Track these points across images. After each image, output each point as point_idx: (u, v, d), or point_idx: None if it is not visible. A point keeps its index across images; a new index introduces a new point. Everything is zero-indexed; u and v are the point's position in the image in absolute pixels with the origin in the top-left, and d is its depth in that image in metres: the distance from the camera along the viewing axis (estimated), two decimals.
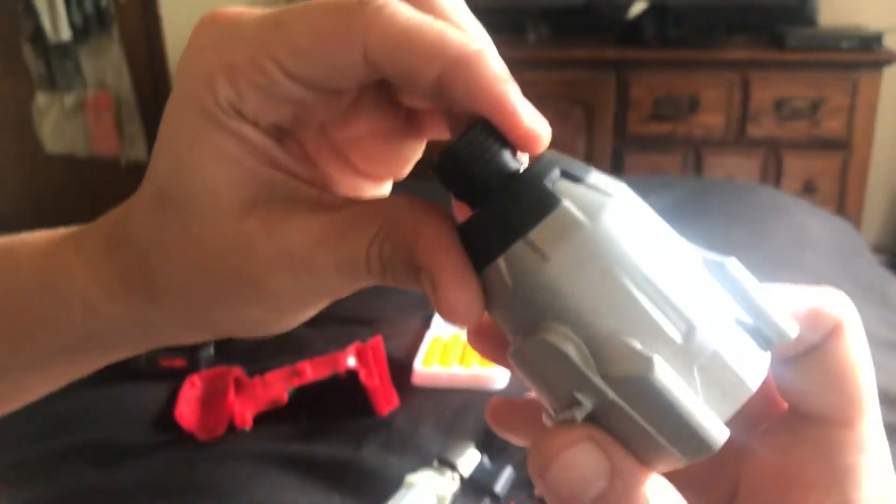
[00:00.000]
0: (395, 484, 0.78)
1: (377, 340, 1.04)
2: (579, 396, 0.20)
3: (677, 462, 0.21)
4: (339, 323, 1.17)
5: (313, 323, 1.04)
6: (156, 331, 0.30)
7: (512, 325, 0.22)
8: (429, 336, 1.08)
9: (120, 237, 0.29)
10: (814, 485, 0.24)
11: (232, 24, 0.27)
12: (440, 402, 0.96)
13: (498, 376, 0.97)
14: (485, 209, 0.23)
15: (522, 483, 0.79)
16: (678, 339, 0.20)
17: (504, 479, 0.75)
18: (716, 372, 0.21)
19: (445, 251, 0.23)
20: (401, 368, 1.02)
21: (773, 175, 2.45)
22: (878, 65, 2.35)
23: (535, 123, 0.24)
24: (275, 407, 0.96)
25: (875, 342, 1.08)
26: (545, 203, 0.21)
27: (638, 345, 0.20)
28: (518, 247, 0.21)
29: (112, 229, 0.30)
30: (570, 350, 0.20)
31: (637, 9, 2.53)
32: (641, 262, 0.21)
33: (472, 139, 0.23)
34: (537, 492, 0.78)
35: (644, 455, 0.21)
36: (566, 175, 0.22)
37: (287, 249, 0.25)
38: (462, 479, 0.72)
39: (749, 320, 0.22)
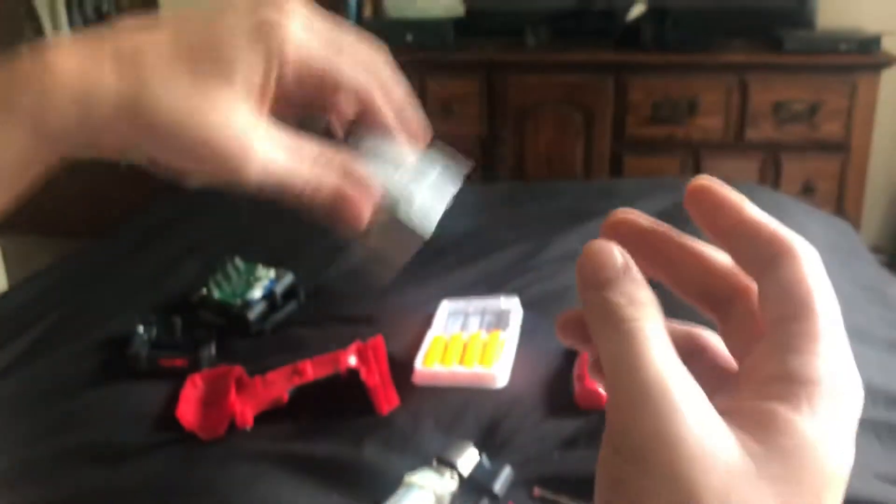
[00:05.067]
0: (395, 483, 0.78)
1: (378, 340, 1.04)
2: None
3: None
4: (340, 322, 1.18)
5: (314, 322, 1.05)
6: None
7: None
8: (430, 335, 1.08)
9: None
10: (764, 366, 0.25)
11: None
12: (440, 402, 0.96)
13: (498, 375, 0.98)
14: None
15: (521, 483, 0.80)
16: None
17: (503, 479, 0.76)
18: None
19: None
20: (402, 367, 1.02)
21: (771, 177, 2.46)
22: (877, 67, 2.36)
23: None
24: (275, 406, 0.97)
25: (874, 341, 1.09)
26: None
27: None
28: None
29: None
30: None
31: (636, 12, 2.54)
32: None
33: None
34: (536, 491, 0.79)
35: None
36: None
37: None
38: (461, 478, 0.73)
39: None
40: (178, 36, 0.36)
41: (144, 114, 0.35)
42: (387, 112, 0.40)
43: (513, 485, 0.78)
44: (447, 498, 0.69)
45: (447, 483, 0.70)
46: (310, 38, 0.37)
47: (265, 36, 0.35)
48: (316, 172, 0.36)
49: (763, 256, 0.27)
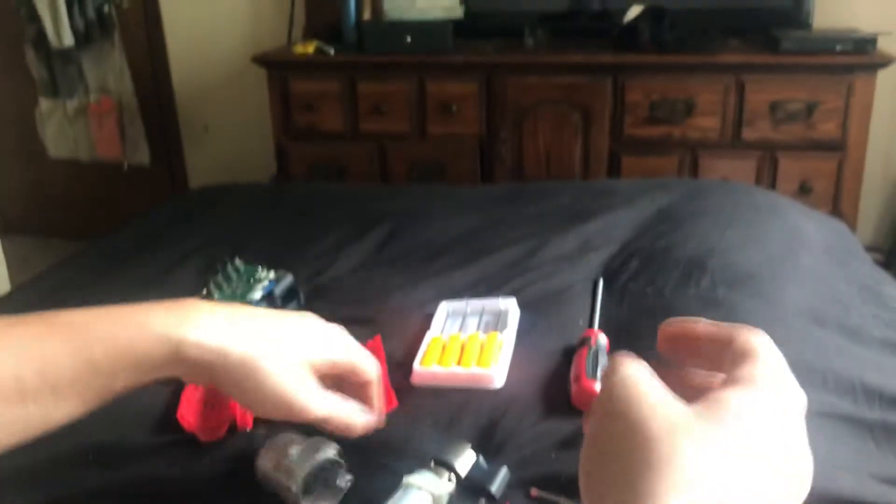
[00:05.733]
0: (393, 484, 0.79)
1: (376, 341, 1.05)
2: None
3: None
4: (339, 323, 1.18)
5: None
6: None
7: None
8: (428, 336, 1.09)
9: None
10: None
11: None
12: (439, 402, 0.97)
13: (496, 376, 0.98)
14: None
15: (518, 483, 0.80)
16: None
17: (500, 480, 0.76)
18: None
19: None
20: (400, 368, 1.03)
21: (768, 177, 2.47)
22: (873, 67, 2.37)
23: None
24: None
25: (870, 341, 1.10)
26: None
27: None
28: None
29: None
30: None
31: (633, 14, 2.55)
32: None
33: None
34: (533, 491, 0.79)
35: None
36: None
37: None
38: (458, 479, 0.73)
39: None
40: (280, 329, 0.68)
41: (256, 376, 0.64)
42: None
43: (510, 485, 0.79)
44: (445, 499, 0.70)
45: (445, 484, 0.71)
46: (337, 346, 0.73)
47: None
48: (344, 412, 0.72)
49: (724, 359, 0.38)
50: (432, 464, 0.73)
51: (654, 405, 0.31)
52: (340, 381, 0.73)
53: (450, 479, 0.72)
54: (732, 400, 0.33)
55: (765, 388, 0.34)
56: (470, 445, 0.76)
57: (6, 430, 0.55)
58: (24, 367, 0.55)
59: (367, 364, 0.73)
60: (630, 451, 0.30)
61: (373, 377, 0.74)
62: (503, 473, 0.76)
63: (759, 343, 0.38)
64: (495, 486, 0.74)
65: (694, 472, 0.28)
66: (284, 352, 0.65)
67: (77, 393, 0.58)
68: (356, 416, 0.71)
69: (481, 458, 0.75)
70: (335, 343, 0.72)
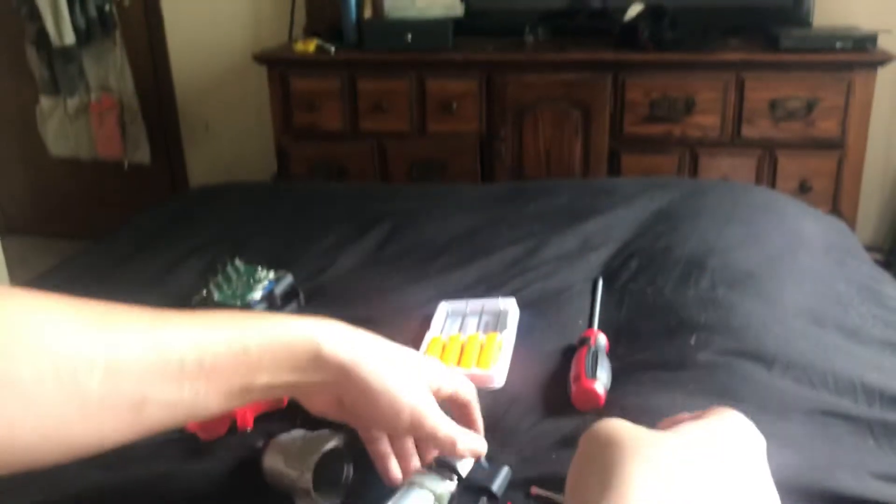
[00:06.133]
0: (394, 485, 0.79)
1: None
2: None
3: None
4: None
5: None
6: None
7: None
8: (428, 336, 1.09)
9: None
10: None
11: None
12: (438, 403, 0.97)
13: (496, 376, 0.99)
14: None
15: (519, 482, 0.81)
16: None
17: (501, 479, 0.77)
18: None
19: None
20: None
21: (768, 175, 2.47)
22: (872, 65, 2.37)
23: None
24: (275, 408, 0.97)
25: (870, 341, 1.10)
26: None
27: None
28: None
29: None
30: None
31: (633, 12, 2.55)
32: None
33: None
34: (533, 490, 0.80)
35: None
36: None
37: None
38: (460, 478, 0.74)
39: None
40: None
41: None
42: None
43: (511, 484, 0.79)
44: (446, 497, 0.71)
45: (447, 483, 0.72)
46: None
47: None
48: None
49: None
50: (434, 464, 0.74)
51: (619, 429, 0.41)
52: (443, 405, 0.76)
53: (451, 479, 0.72)
54: (691, 428, 0.43)
55: (714, 421, 0.46)
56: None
57: (158, 410, 0.55)
58: (188, 350, 0.56)
59: (467, 387, 0.75)
60: (591, 474, 0.39)
61: (473, 399, 0.76)
62: (504, 473, 0.77)
63: (726, 409, 0.51)
64: (496, 485, 0.75)
65: (641, 492, 0.36)
66: (410, 371, 0.68)
67: (226, 380, 0.58)
68: (478, 439, 0.73)
69: (483, 458, 0.75)
70: (439, 368, 0.74)
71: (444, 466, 0.73)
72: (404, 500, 0.68)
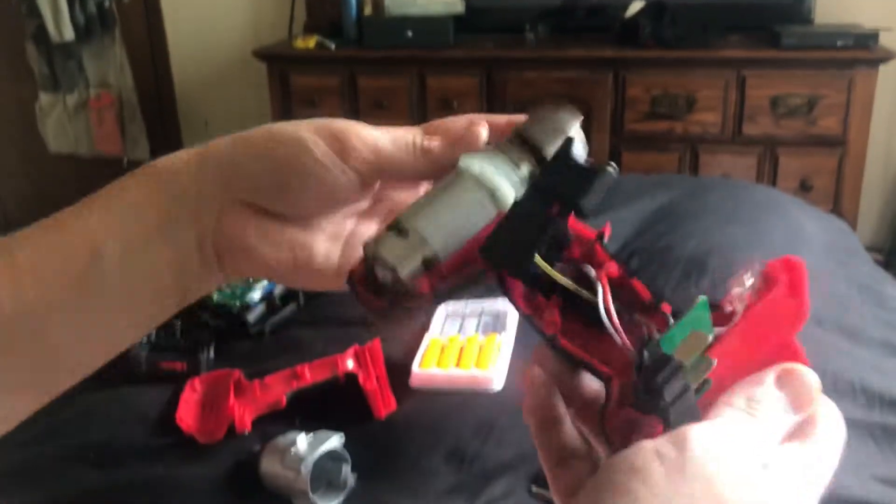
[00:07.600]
0: (394, 485, 0.79)
1: (375, 343, 1.05)
2: None
3: None
4: (338, 324, 1.19)
5: (313, 324, 1.05)
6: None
7: None
8: (427, 338, 1.09)
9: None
10: None
11: None
12: (437, 404, 0.97)
13: (495, 378, 0.98)
14: None
15: (518, 481, 0.80)
16: None
17: (597, 189, 0.38)
18: None
19: None
20: (399, 370, 1.03)
21: (769, 173, 2.46)
22: (874, 63, 2.36)
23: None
24: (273, 410, 0.97)
25: (870, 342, 1.10)
26: None
27: None
28: None
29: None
30: None
31: (634, 8, 2.54)
32: None
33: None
34: (533, 490, 0.79)
35: None
36: None
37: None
38: (544, 168, 0.40)
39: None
40: None
41: None
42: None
43: (511, 483, 0.78)
44: (510, 198, 0.39)
45: (516, 174, 0.40)
46: None
47: None
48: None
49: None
50: (513, 137, 0.42)
51: (649, 465, 0.33)
52: None
53: (528, 169, 0.40)
54: (691, 440, 0.33)
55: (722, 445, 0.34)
56: (579, 122, 0.43)
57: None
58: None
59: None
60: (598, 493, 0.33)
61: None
62: (607, 176, 0.38)
63: (832, 415, 0.35)
64: (587, 198, 0.38)
65: None
66: (270, 128, 0.45)
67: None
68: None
69: (581, 144, 0.41)
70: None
71: (524, 145, 0.42)
72: (444, 195, 0.39)
